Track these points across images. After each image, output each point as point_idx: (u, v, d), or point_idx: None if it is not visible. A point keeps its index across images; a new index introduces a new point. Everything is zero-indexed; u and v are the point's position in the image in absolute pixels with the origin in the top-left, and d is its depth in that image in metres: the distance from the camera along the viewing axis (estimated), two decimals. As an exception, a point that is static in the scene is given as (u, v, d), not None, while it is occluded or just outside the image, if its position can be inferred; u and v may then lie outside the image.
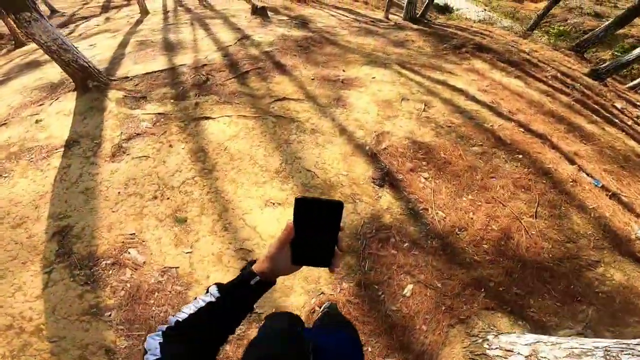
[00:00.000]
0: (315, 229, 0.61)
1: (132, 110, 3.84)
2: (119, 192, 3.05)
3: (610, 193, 3.57)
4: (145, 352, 0.59)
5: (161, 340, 0.60)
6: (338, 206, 0.59)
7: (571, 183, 3.56)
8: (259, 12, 6.78)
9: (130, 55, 5.16)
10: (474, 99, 4.59)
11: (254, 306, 0.72)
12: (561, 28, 11.75)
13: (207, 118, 3.65)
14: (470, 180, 3.37)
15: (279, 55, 5.13)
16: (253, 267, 0.69)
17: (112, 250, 2.61)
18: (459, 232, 2.98)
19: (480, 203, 3.23)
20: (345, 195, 3.09)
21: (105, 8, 9.49)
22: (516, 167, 3.59)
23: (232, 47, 5.27)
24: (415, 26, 8.04)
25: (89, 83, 4.05)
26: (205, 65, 4.63)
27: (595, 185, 3.66)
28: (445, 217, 3.07)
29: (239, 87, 4.18)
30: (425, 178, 3.30)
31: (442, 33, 7.51)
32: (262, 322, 1.29)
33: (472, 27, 8.17)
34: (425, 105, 4.18)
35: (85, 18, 8.64)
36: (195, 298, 0.69)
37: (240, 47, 5.28)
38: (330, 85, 4.45)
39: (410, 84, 4.74)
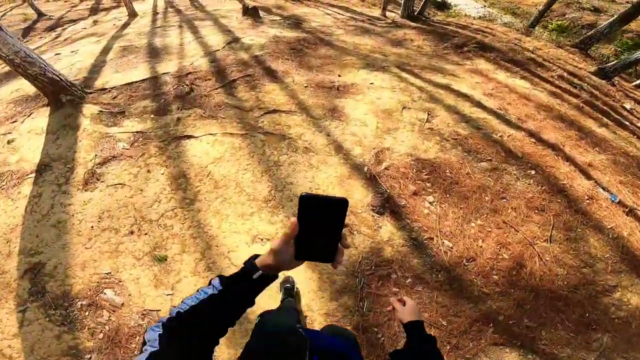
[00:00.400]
0: (320, 225, 0.59)
1: (108, 128, 3.40)
2: (92, 227, 2.68)
3: (627, 209, 3.21)
4: (145, 342, 0.56)
5: (161, 332, 0.58)
6: (343, 204, 0.57)
7: (587, 201, 3.18)
8: (251, 13, 6.26)
9: (111, 62, 4.69)
10: (479, 105, 4.14)
11: (255, 300, 0.69)
12: (559, 23, 11.22)
13: (190, 137, 3.21)
14: (479, 202, 2.96)
15: (270, 60, 4.66)
16: (256, 260, 0.67)
17: (87, 290, 2.32)
18: (466, 263, 2.62)
19: (490, 229, 2.85)
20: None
21: (94, 10, 8.91)
22: (528, 184, 3.18)
23: (221, 52, 4.78)
24: (413, 24, 7.53)
25: (62, 97, 3.60)
26: (190, 73, 4.16)
27: (612, 201, 3.29)
28: (451, 247, 2.70)
29: (226, 98, 3.73)
30: (429, 202, 2.88)
31: (442, 31, 7.01)
32: (257, 320, 1.21)
33: (472, 24, 7.65)
34: (428, 114, 3.73)
35: (74, 21, 8.10)
36: (198, 290, 0.67)
37: (229, 52, 4.80)
38: (325, 93, 4.00)
39: (411, 89, 4.29)
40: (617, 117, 5.17)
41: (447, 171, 3.10)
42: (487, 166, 3.24)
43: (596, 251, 2.79)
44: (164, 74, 4.19)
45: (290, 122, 3.41)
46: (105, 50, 5.16)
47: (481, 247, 2.75)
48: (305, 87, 4.06)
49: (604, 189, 3.39)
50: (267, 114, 3.50)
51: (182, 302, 0.65)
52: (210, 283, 0.67)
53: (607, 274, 2.64)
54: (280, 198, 2.75)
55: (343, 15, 7.97)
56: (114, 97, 3.83)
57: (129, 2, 7.22)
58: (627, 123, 5.11)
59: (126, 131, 3.34)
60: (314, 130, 3.32)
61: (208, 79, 4.06)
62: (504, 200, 3.04)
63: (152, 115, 3.53)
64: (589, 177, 3.44)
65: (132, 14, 7.24)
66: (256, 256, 0.69)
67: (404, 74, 4.76)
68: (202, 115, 3.47)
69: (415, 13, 7.77)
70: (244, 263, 0.69)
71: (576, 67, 6.45)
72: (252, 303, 0.68)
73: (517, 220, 2.94)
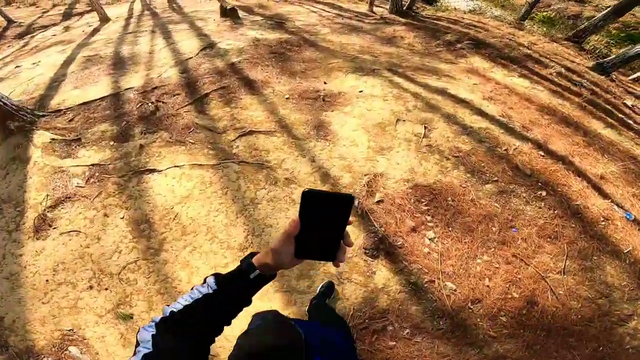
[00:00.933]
0: (322, 223, 0.55)
1: (61, 161, 2.85)
2: (47, 280, 2.30)
3: None
4: (138, 344, 0.53)
5: (154, 332, 0.54)
6: (347, 201, 0.53)
7: (603, 223, 2.78)
8: (229, 14, 5.61)
9: (72, 76, 4.06)
10: (480, 112, 3.64)
11: (252, 299, 0.63)
12: (545, 14, 10.71)
13: (153, 171, 2.67)
14: (486, 234, 2.51)
15: (248, 67, 4.08)
16: (254, 259, 0.61)
17: (50, 346, 2.07)
18: (471, 306, 2.24)
19: (498, 265, 2.43)
20: (330, 276, 2.21)
21: (66, 15, 8.08)
22: (539, 208, 2.73)
23: (193, 60, 4.17)
24: (402, 19, 6.94)
25: (10, 124, 3.03)
26: (157, 87, 3.56)
27: (628, 219, 2.89)
28: (455, 289, 2.29)
29: (196, 118, 3.17)
30: (430, 239, 2.42)
31: (433, 27, 6.44)
32: (251, 319, 1.10)
33: (464, 18, 7.08)
34: (425, 127, 3.22)
35: (45, 27, 7.34)
36: (192, 288, 0.62)
37: (202, 59, 4.19)
38: (309, 105, 3.46)
39: (404, 96, 3.76)
40: (621, 115, 4.73)
41: (449, 198, 2.61)
42: (493, 189, 2.76)
43: (613, 279, 2.45)
44: (127, 89, 3.59)
45: (270, 145, 2.88)
46: (68, 61, 4.52)
47: (488, 286, 2.35)
48: (287, 98, 3.51)
49: (618, 205, 2.96)
50: (243, 137, 2.95)
51: (175, 301, 0.60)
52: (205, 281, 0.62)
53: (624, 303, 2.32)
54: (259, 244, 2.25)
55: (329, 12, 7.34)
56: (70, 120, 3.26)
57: (99, 6, 6.48)
58: (630, 122, 4.68)
59: (81, 164, 2.80)
60: (297, 155, 2.79)
61: (177, 94, 3.48)
62: (513, 230, 2.59)
63: (112, 142, 2.97)
64: (602, 193, 3.00)
65: (104, 19, 6.52)
66: (253, 254, 0.63)
67: (396, 78, 4.23)
68: (169, 140, 2.92)
69: (404, 8, 7.16)
70: (241, 261, 0.63)
71: (573, 62, 5.96)
72: (249, 302, 0.62)
73: (527, 252, 2.52)
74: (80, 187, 2.65)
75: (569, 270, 2.48)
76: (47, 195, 2.65)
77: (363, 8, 7.81)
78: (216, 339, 0.60)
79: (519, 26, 7.22)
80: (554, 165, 3.09)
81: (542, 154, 3.19)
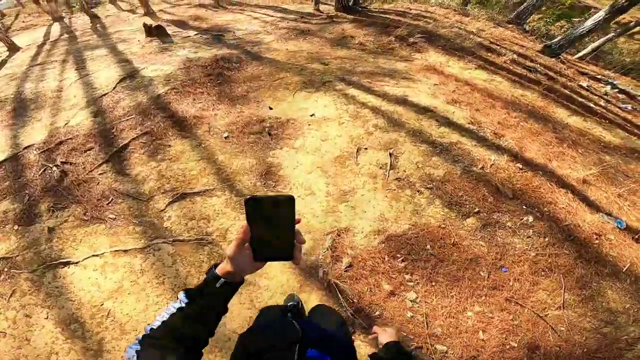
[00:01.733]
0: (270, 225, 0.55)
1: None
2: None
3: (636, 235, 2.51)
4: None
5: (138, 348, 0.54)
6: (289, 201, 0.54)
7: (596, 241, 2.44)
8: (156, 32, 4.73)
9: (-38, 134, 3.14)
10: (447, 121, 3.16)
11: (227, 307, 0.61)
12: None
13: (68, 263, 1.97)
14: (474, 281, 2.08)
15: (177, 100, 3.31)
16: (217, 269, 0.61)
17: None
18: None
19: (491, 314, 2.06)
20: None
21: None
22: (528, 237, 2.33)
23: (110, 96, 3.31)
24: (350, 16, 6.34)
25: None
26: (63, 142, 2.74)
27: (619, 228, 2.58)
28: (446, 351, 1.93)
29: (114, 181, 2.43)
30: (412, 301, 1.94)
31: (382, 22, 5.90)
32: (257, 315, 1.17)
33: (410, 9, 6.58)
34: (390, 154, 2.69)
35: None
36: (167, 305, 0.66)
37: (121, 94, 3.35)
38: (253, 144, 2.80)
39: (363, 114, 3.21)
40: (581, 100, 4.49)
41: (428, 246, 2.12)
42: (476, 223, 2.30)
43: (615, 304, 2.16)
44: (27, 147, 2.76)
45: (209, 209, 2.22)
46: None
47: (483, 340, 2.00)
48: (226, 137, 2.84)
49: (607, 214, 2.64)
50: (175, 202, 2.26)
51: (155, 319, 0.59)
52: (178, 298, 0.61)
53: (630, 326, 2.06)
54: (215, 340, 1.66)
55: (273, 16, 6.57)
56: (-40, 200, 2.42)
57: (4, 35, 5.32)
58: (591, 104, 4.46)
59: (-16, 260, 2.04)
60: (243, 219, 2.18)
61: (89, 148, 2.69)
62: (503, 269, 2.16)
63: (16, 227, 2.21)
64: (589, 202, 2.66)
65: (13, 48, 5.37)
66: (217, 264, 0.62)
67: (351, 90, 3.66)
68: (83, 218, 2.19)
69: (350, 3, 6.55)
70: (206, 273, 0.63)
71: (523, 46, 5.67)
72: (225, 310, 0.61)
73: (522, 292, 2.15)
74: (-10, 285, 1.93)
75: (568, 304, 2.15)
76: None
77: (309, 8, 7.11)
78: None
79: (464, 12, 6.85)
80: (535, 178, 2.68)
81: (520, 166, 2.77)
